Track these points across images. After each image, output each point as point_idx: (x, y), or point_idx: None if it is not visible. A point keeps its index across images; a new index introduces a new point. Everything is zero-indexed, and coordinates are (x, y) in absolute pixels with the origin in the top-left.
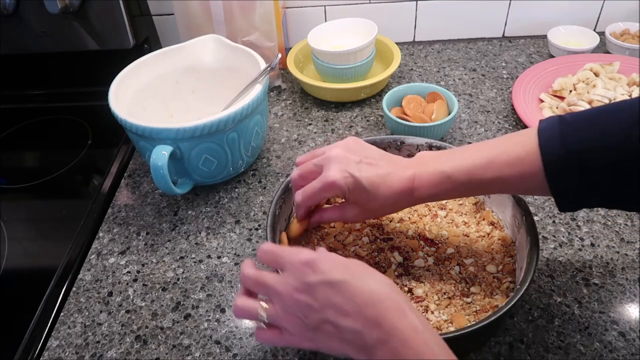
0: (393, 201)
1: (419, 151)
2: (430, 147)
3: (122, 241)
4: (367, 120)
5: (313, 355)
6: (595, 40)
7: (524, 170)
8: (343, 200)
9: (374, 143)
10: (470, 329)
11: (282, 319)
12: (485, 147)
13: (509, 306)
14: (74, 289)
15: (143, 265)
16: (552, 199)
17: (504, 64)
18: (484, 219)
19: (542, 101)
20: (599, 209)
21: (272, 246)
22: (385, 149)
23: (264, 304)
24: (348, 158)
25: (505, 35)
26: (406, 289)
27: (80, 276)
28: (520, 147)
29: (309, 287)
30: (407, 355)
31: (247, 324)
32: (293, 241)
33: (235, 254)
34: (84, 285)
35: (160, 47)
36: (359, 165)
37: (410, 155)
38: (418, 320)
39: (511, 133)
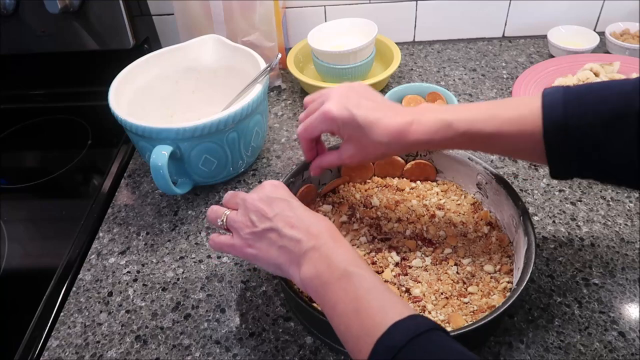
0: (387, 141)
1: (418, 151)
2: None
3: (122, 241)
4: None
5: (313, 355)
6: (595, 40)
7: (523, 129)
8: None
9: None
10: (468, 329)
11: (237, 222)
12: (490, 104)
13: (505, 306)
14: (74, 289)
15: (143, 265)
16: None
17: (504, 64)
18: (481, 219)
19: None
20: (599, 209)
21: None
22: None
23: (228, 211)
24: (349, 95)
25: (505, 35)
26: (404, 288)
27: (80, 276)
28: (524, 106)
29: (270, 199)
30: (332, 259)
31: (247, 324)
32: None
33: None
34: (84, 285)
35: (160, 47)
36: (359, 103)
37: (408, 154)
38: (351, 249)
39: (514, 97)
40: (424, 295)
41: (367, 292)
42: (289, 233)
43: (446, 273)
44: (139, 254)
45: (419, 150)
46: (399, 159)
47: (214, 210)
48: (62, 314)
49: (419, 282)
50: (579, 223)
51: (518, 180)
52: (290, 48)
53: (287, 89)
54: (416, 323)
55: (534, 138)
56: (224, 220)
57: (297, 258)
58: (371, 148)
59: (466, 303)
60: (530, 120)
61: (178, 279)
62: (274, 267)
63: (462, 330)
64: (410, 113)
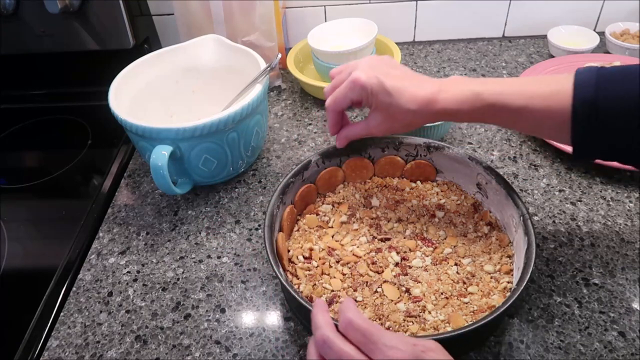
0: (416, 108)
1: (417, 151)
2: (428, 147)
3: (122, 241)
4: None
5: None
6: (595, 40)
7: (552, 105)
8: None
9: (372, 143)
10: (468, 329)
11: None
12: (520, 79)
13: (505, 306)
14: (74, 289)
15: (143, 265)
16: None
17: (504, 64)
18: (481, 219)
19: None
20: (599, 209)
21: (361, 322)
22: (383, 149)
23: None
24: (377, 65)
25: (505, 35)
26: (404, 289)
27: (80, 276)
28: (555, 83)
29: None
30: None
31: (247, 324)
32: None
33: (235, 254)
34: (84, 285)
35: (160, 47)
36: (388, 72)
37: (408, 154)
38: None
39: (547, 75)
40: (424, 295)
41: None
42: None
43: (446, 273)
44: (139, 254)
45: (446, 120)
46: (399, 159)
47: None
48: (62, 314)
49: (419, 282)
50: (579, 223)
51: (518, 180)
52: (290, 48)
53: (287, 89)
54: None
55: (562, 116)
56: None
57: None
58: (399, 116)
59: (466, 303)
60: (560, 97)
61: (178, 279)
62: None
63: (462, 330)
64: (439, 83)
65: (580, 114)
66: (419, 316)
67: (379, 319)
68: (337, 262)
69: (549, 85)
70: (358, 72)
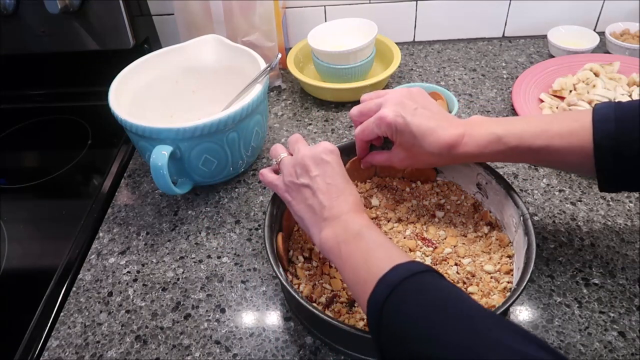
0: (439, 152)
1: None
2: None
3: (122, 241)
4: None
5: (313, 355)
6: (595, 40)
7: (574, 143)
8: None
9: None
10: None
11: (287, 166)
12: (540, 118)
13: (506, 306)
14: (74, 289)
15: (143, 265)
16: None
17: (504, 64)
18: (482, 219)
19: (542, 101)
20: (599, 209)
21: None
22: (383, 149)
23: (284, 154)
24: (406, 103)
25: (505, 35)
26: None
27: (80, 276)
28: (574, 121)
29: (319, 160)
30: (350, 224)
31: (247, 324)
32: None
33: (235, 254)
34: (84, 285)
35: (160, 47)
36: (415, 111)
37: None
38: (367, 218)
39: (565, 112)
40: None
41: (377, 246)
42: (319, 196)
43: (446, 273)
44: (139, 254)
45: (468, 162)
46: None
47: (276, 148)
48: (62, 314)
49: None
50: (579, 223)
51: (518, 180)
52: (290, 48)
53: (287, 89)
54: (418, 265)
55: (584, 152)
56: (278, 161)
57: (320, 221)
58: (422, 157)
59: None
60: (581, 135)
61: (178, 279)
62: (299, 219)
63: None
64: (463, 125)
65: (602, 148)
66: None
67: None
68: None
69: (568, 124)
70: (386, 110)
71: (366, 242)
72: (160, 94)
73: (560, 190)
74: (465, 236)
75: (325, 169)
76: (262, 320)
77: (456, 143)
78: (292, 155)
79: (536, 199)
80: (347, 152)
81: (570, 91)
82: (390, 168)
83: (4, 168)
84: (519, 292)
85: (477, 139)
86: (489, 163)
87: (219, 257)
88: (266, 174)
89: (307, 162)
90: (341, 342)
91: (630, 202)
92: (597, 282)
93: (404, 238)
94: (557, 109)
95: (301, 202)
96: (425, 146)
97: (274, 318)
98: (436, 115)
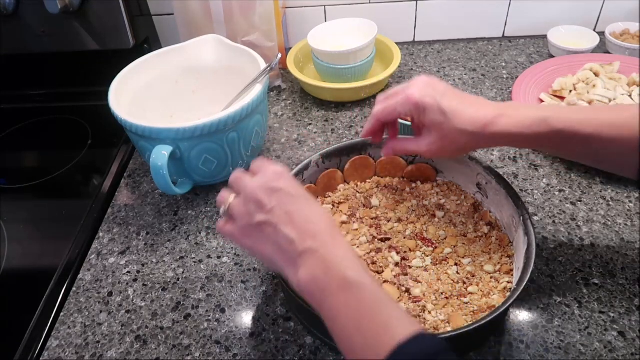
0: (472, 130)
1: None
2: None
3: (122, 241)
4: None
5: (313, 355)
6: (595, 40)
7: (623, 133)
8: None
9: (372, 143)
10: (468, 329)
11: (238, 209)
12: (587, 107)
13: (505, 306)
14: (74, 289)
15: (143, 265)
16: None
17: (504, 64)
18: (481, 219)
19: (542, 101)
20: (599, 209)
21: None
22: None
23: (232, 198)
24: (435, 85)
25: (505, 35)
26: (404, 288)
27: (80, 276)
28: (626, 111)
29: (270, 190)
30: (330, 263)
31: (247, 324)
32: None
33: (235, 254)
34: (84, 285)
35: (160, 47)
36: (445, 91)
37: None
38: (349, 247)
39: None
40: (424, 295)
41: (369, 307)
42: (283, 230)
43: (446, 273)
44: (139, 254)
45: (504, 146)
46: (401, 159)
47: (221, 194)
48: (62, 314)
49: (419, 282)
50: (579, 223)
51: (518, 180)
52: (290, 48)
53: (287, 89)
54: (422, 347)
55: (630, 146)
56: (227, 208)
57: (293, 259)
58: (453, 136)
59: (466, 303)
60: (629, 126)
61: (178, 279)
62: (269, 263)
63: (462, 330)
64: (500, 106)
65: None
66: (419, 316)
67: None
68: None
69: (619, 113)
70: (413, 89)
71: (355, 298)
72: (160, 94)
73: (560, 190)
74: (465, 236)
75: (281, 197)
76: (262, 320)
77: (492, 121)
78: (239, 194)
79: (536, 199)
80: (347, 152)
81: (570, 91)
82: (391, 168)
83: (4, 168)
84: (518, 292)
85: (518, 119)
86: (488, 163)
87: (219, 257)
88: (221, 226)
89: (258, 195)
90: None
91: (630, 202)
92: (597, 282)
93: (404, 238)
94: None
95: (265, 243)
96: (458, 124)
97: (274, 318)
98: (468, 96)
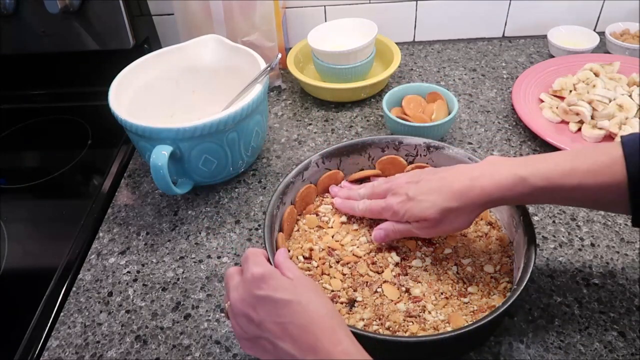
0: (449, 207)
1: (417, 151)
2: (428, 147)
3: (122, 241)
4: (367, 120)
5: None
6: (595, 40)
7: (606, 180)
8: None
9: (372, 143)
10: (467, 329)
11: (232, 320)
12: (563, 155)
13: (505, 306)
14: (74, 289)
15: (143, 265)
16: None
17: (504, 64)
18: (481, 219)
19: (542, 101)
20: None
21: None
22: (383, 149)
23: (227, 304)
24: (412, 188)
25: (505, 35)
26: (404, 289)
27: (80, 276)
28: (605, 155)
29: (254, 299)
30: None
31: None
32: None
33: (235, 254)
34: (84, 285)
35: (160, 47)
36: (422, 190)
37: (408, 154)
38: (352, 346)
39: (588, 146)
40: (424, 295)
41: None
42: (281, 346)
43: (446, 273)
44: (139, 254)
45: (490, 207)
46: (401, 159)
47: (224, 297)
48: (62, 314)
49: (419, 282)
50: (579, 223)
51: None
52: (290, 48)
53: (287, 89)
54: None
55: (618, 189)
56: (226, 312)
57: None
58: (443, 223)
59: (466, 303)
60: (613, 170)
61: (178, 279)
62: None
63: (462, 330)
64: (473, 169)
65: (637, 182)
66: (419, 316)
67: (379, 319)
68: (337, 262)
69: (598, 158)
70: (394, 208)
71: None
72: (160, 94)
73: None
74: (465, 236)
75: (267, 308)
76: None
77: (470, 184)
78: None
79: None
80: (347, 152)
81: (570, 91)
82: (391, 167)
83: (4, 168)
84: (518, 292)
85: (496, 180)
86: None
87: (219, 257)
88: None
89: (243, 310)
90: None
91: None
92: (597, 282)
93: (404, 238)
94: (557, 109)
95: (269, 355)
96: (440, 204)
97: None
98: (436, 185)
